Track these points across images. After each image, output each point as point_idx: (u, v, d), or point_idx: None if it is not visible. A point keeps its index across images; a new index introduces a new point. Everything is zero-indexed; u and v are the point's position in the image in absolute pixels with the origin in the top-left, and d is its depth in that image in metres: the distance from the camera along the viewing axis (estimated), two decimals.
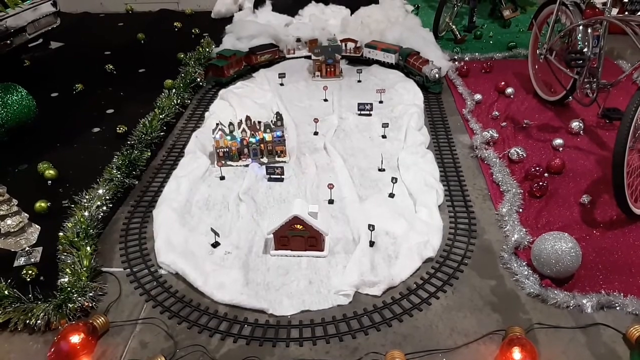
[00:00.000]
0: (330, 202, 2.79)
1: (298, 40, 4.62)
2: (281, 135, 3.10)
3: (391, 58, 4.18)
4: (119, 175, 2.94)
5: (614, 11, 4.76)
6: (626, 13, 4.78)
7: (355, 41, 4.64)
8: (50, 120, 3.81)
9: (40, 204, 2.75)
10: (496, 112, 3.66)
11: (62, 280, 2.24)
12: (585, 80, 3.26)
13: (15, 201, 2.53)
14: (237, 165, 3.13)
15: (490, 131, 3.32)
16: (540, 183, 2.79)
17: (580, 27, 3.23)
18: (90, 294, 2.21)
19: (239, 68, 4.48)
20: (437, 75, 3.76)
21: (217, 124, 3.06)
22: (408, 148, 3.22)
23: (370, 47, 4.48)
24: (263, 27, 5.03)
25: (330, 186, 2.79)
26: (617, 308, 2.10)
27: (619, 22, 2.86)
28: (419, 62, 4.11)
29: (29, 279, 2.30)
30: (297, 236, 2.39)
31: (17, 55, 4.84)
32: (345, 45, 4.60)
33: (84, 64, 4.86)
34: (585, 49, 3.19)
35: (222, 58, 4.38)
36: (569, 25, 3.39)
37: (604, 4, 3.19)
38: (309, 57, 4.59)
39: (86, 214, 2.62)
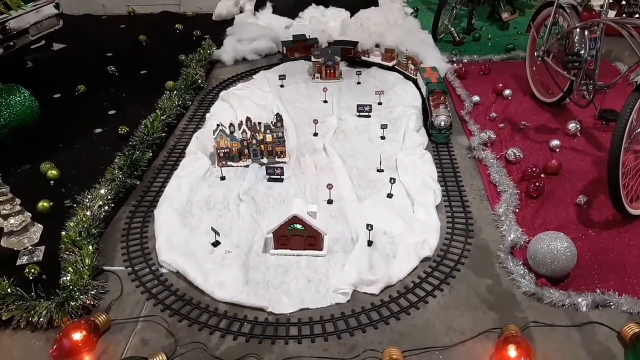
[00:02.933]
0: (329, 202, 2.82)
1: (377, 45, 4.60)
2: (281, 136, 3.13)
3: (425, 89, 3.88)
4: (120, 176, 2.97)
5: (612, 13, 4.80)
6: (624, 15, 4.83)
7: (417, 63, 4.30)
8: (53, 121, 3.84)
9: (43, 204, 2.78)
10: (494, 114, 3.69)
11: (65, 278, 2.27)
12: (582, 82, 3.30)
13: (18, 201, 2.55)
14: (237, 166, 3.16)
15: (487, 132, 3.34)
16: (537, 183, 2.81)
17: (577, 30, 3.26)
18: (92, 292, 2.23)
19: (307, 54, 4.72)
20: (442, 123, 3.36)
21: (218, 125, 3.09)
22: (406, 149, 3.25)
23: (420, 71, 4.08)
24: (264, 29, 5.08)
25: (330, 186, 2.82)
26: (612, 307, 2.13)
27: (615, 24, 2.89)
28: (434, 103, 3.53)
29: (31, 277, 2.33)
30: (297, 235, 2.41)
31: (20, 56, 4.87)
32: (413, 65, 4.30)
33: (86, 66, 4.90)
34: (582, 51, 3.22)
35: (291, 41, 4.79)
36: (566, 28, 3.42)
37: (601, 6, 3.22)
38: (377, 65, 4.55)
39: (88, 213, 2.65)
